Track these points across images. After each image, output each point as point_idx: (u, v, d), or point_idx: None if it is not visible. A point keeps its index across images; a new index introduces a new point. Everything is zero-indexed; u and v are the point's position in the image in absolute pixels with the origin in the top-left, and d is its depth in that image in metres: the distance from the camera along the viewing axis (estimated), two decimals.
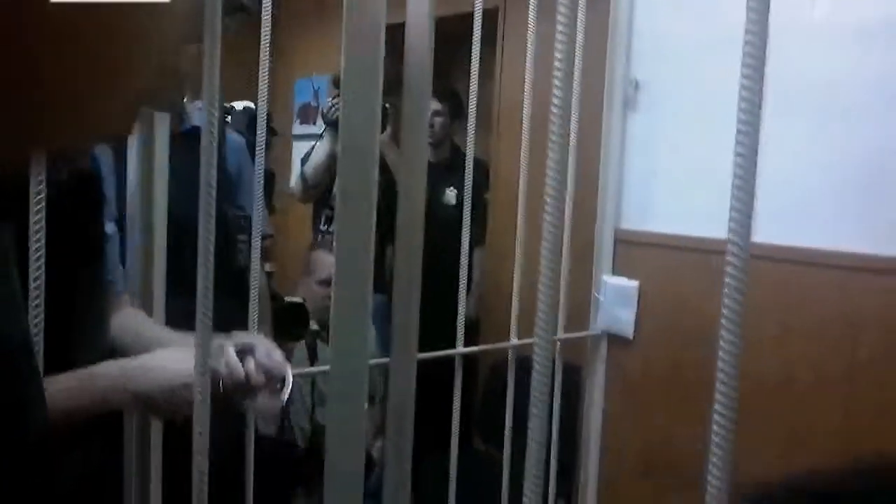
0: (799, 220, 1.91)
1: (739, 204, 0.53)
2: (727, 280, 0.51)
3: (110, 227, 1.40)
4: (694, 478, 2.05)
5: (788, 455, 1.89)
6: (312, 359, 2.63)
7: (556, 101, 0.67)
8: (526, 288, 1.98)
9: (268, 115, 2.69)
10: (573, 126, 2.06)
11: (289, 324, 2.21)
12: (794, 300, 1.93)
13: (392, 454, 0.90)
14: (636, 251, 2.24)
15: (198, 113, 1.87)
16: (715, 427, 0.54)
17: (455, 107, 3.54)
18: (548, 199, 0.69)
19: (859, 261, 1.81)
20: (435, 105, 3.42)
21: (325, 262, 2.65)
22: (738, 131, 0.57)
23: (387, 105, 3.20)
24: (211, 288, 0.88)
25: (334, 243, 0.88)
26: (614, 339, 2.28)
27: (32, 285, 0.96)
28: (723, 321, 0.52)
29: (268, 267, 3.22)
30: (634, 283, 2.21)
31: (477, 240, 2.87)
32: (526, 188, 1.96)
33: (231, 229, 1.93)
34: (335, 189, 3.45)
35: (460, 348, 1.89)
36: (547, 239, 0.68)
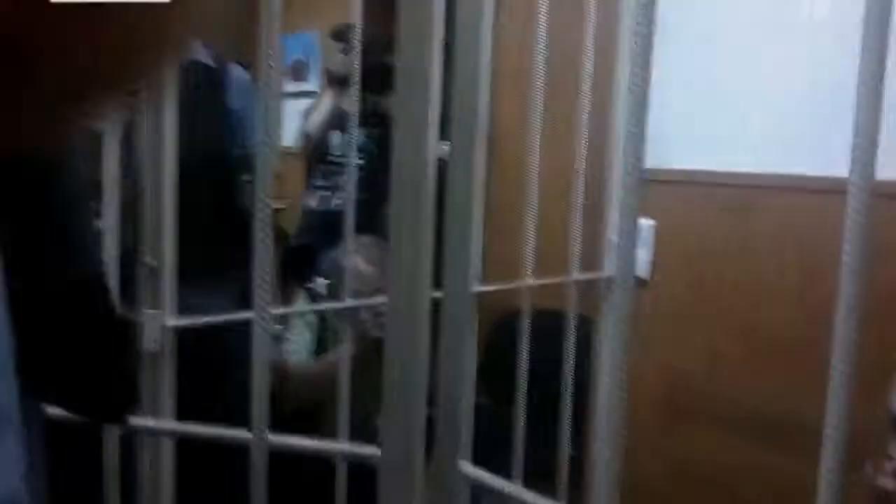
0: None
1: (861, 139, 0.48)
2: (849, 221, 0.46)
3: None
4: (713, 416, 2.04)
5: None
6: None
7: (636, 44, 0.64)
8: (537, 235, 1.93)
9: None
10: (588, 64, 2.00)
11: (297, 265, 2.18)
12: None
13: (446, 397, 0.85)
14: (651, 189, 2.19)
15: (201, 49, 1.81)
16: (834, 379, 0.49)
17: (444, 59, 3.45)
18: (629, 135, 0.66)
19: None
20: None
21: (364, 274, 2.41)
22: (863, 58, 0.51)
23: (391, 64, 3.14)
24: (269, 243, 0.83)
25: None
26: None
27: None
28: (845, 265, 0.46)
29: (279, 204, 3.15)
30: (650, 223, 2.17)
31: None
32: (539, 136, 1.90)
33: (234, 169, 1.88)
34: (331, 144, 3.40)
35: (476, 287, 1.85)
36: (627, 174, 0.65)
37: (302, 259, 2.29)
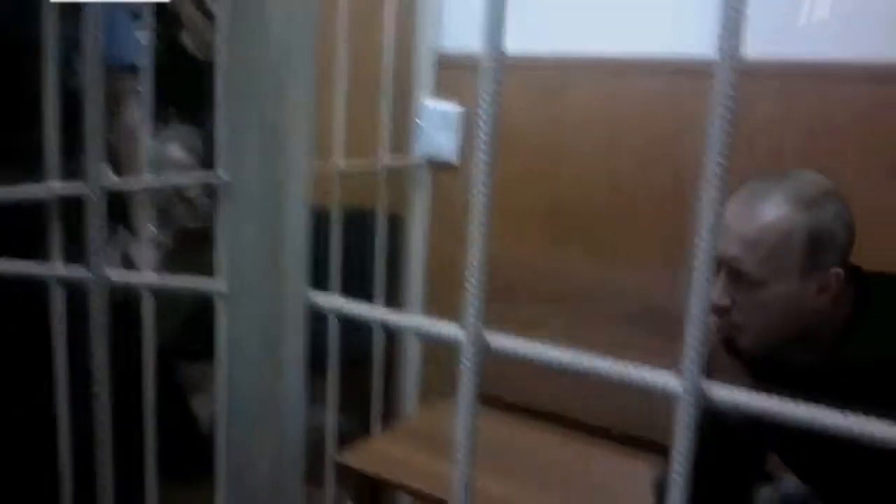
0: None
1: (729, 16, 0.46)
2: (716, 99, 0.44)
3: None
4: (526, 295, 2.10)
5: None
6: None
7: None
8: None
9: None
10: None
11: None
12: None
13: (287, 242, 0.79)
14: (460, 74, 2.18)
15: None
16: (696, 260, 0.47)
17: None
18: (487, 20, 0.60)
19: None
20: None
21: (181, 162, 2.21)
22: None
23: None
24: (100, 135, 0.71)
25: None
26: (439, 167, 2.23)
27: None
28: (709, 138, 0.45)
29: None
30: (457, 108, 2.16)
31: None
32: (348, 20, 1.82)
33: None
34: None
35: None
36: (489, 59, 0.59)
37: None
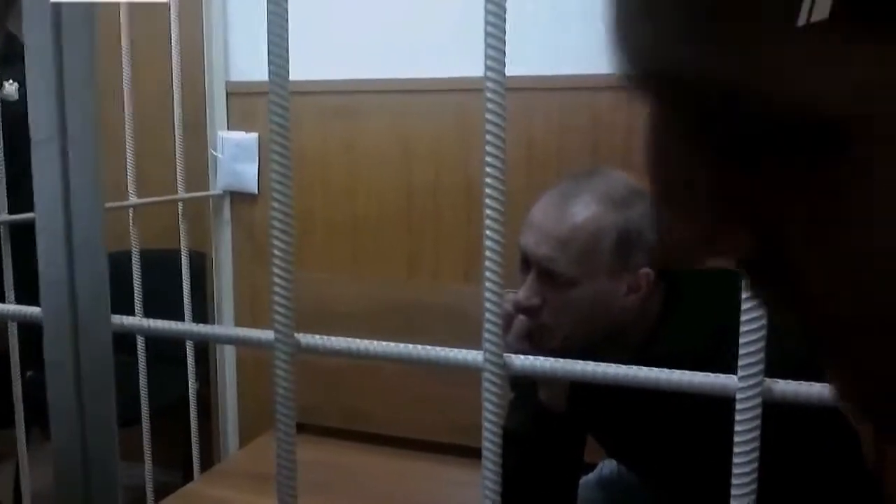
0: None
1: (493, 40, 0.51)
2: (487, 126, 0.48)
3: None
4: (332, 317, 2.10)
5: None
6: None
7: None
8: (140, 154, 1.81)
9: None
10: None
11: None
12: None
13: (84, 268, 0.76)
14: (251, 102, 2.15)
15: None
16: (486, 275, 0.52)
17: None
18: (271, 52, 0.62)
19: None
20: None
21: None
22: None
23: None
24: None
25: None
26: (239, 197, 2.19)
27: None
28: (486, 163, 0.49)
29: None
30: (253, 136, 2.14)
31: None
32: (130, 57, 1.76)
33: None
34: None
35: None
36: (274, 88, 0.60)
37: None
